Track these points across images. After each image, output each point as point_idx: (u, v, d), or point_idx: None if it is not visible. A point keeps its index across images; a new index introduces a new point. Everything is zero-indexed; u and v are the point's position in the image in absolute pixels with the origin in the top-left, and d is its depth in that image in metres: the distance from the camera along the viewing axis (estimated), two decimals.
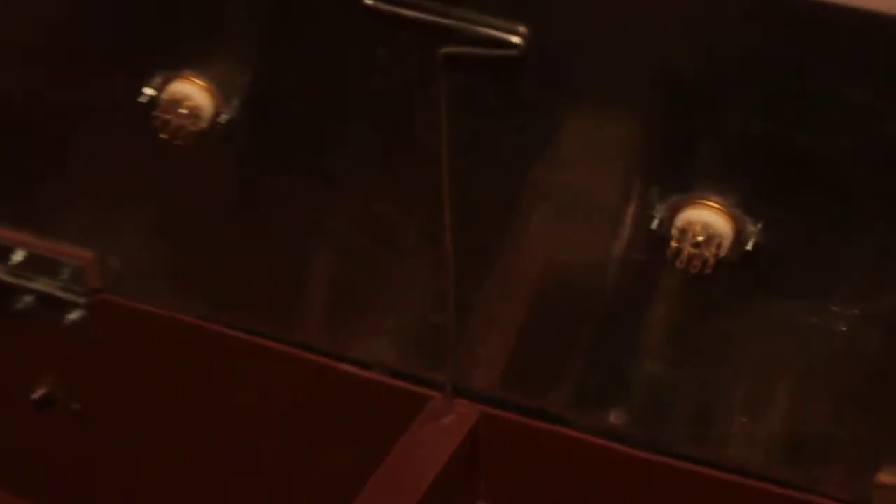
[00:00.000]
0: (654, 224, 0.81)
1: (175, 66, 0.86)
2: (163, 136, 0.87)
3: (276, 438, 0.95)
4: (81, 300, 0.96)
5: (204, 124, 0.86)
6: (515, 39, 0.78)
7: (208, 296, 0.94)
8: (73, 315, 0.96)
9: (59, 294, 0.96)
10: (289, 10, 0.82)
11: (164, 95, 0.86)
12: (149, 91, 0.87)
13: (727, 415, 0.85)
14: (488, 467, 0.90)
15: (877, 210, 0.76)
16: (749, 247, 0.79)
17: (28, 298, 0.96)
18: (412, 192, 0.85)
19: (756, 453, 0.85)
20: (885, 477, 0.82)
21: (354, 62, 0.82)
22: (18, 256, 0.95)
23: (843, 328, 0.80)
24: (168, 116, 0.86)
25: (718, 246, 0.79)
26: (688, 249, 0.79)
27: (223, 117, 0.87)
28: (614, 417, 0.87)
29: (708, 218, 0.79)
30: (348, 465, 0.88)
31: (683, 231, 0.79)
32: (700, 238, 0.79)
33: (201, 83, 0.86)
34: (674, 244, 0.80)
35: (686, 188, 0.79)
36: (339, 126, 0.85)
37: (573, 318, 0.86)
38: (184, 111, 0.85)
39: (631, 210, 0.82)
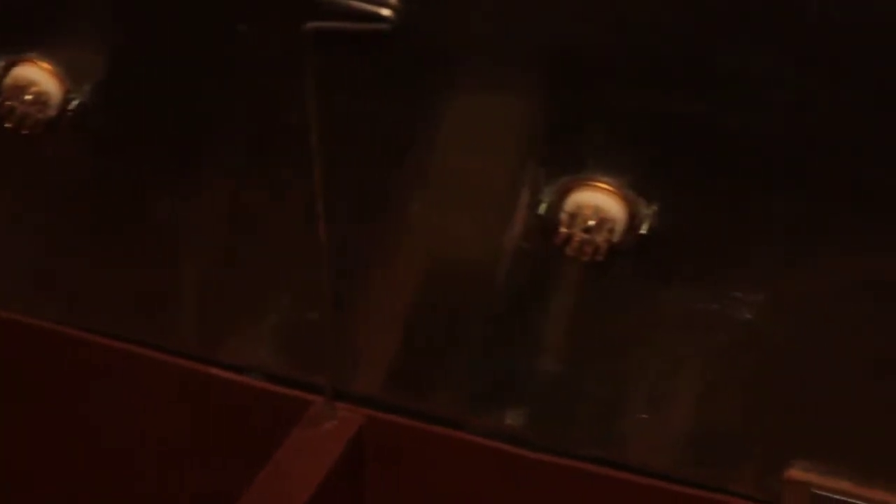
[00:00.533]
0: (542, 209, 0.77)
1: (18, 48, 0.83)
2: (7, 125, 0.83)
3: (146, 450, 0.92)
4: None
5: (52, 111, 0.83)
6: (386, 12, 0.74)
7: (65, 298, 0.91)
8: None
9: None
10: None
11: (7, 81, 0.83)
12: None
13: (629, 412, 0.83)
14: (375, 475, 0.87)
15: (778, 187, 0.74)
16: (644, 231, 0.76)
17: None
18: (283, 180, 0.82)
19: (661, 452, 0.83)
20: (795, 473, 0.80)
21: (215, 41, 0.79)
22: None
23: (748, 316, 0.78)
24: (12, 104, 0.82)
25: (611, 231, 0.76)
26: (578, 235, 0.76)
27: (73, 103, 0.83)
28: (510, 418, 0.85)
29: (599, 201, 0.75)
30: (225, 475, 0.86)
31: (573, 216, 0.76)
32: (591, 223, 0.75)
33: (48, 66, 0.82)
34: (563, 230, 0.76)
35: (575, 169, 0.76)
36: (201, 110, 0.82)
37: (462, 312, 0.84)
38: (29, 98, 0.82)
39: (518, 195, 0.79)
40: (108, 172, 0.86)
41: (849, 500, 0.79)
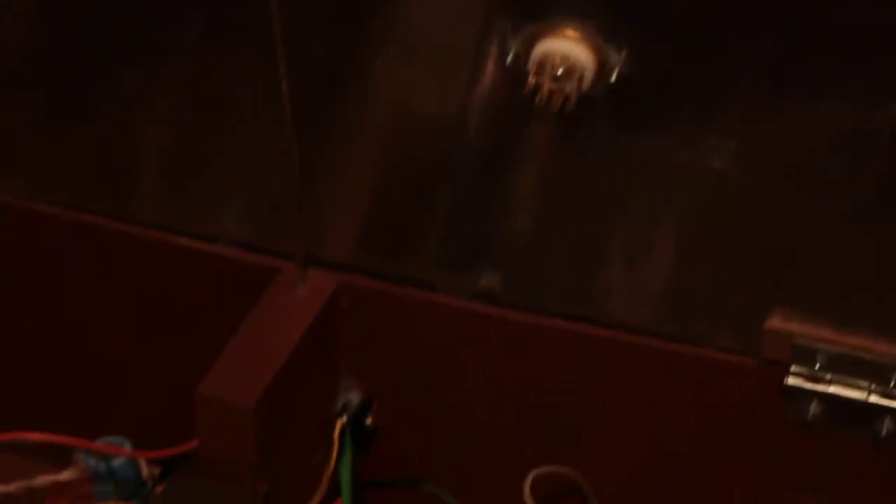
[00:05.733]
0: (509, 59, 0.77)
1: None
2: None
3: (117, 325, 0.92)
4: None
5: None
6: None
7: (27, 172, 0.91)
8: None
9: None
10: None
11: None
12: None
13: (606, 268, 0.83)
14: (350, 340, 0.87)
15: (748, 31, 0.73)
16: (613, 78, 0.76)
17: None
18: (242, 43, 0.81)
19: (638, 307, 0.84)
20: (775, 323, 0.80)
21: None
22: None
23: (721, 165, 0.78)
24: None
25: (580, 79, 0.75)
26: (547, 85, 0.75)
27: None
28: (485, 279, 0.85)
29: (567, 48, 0.75)
30: (197, 346, 0.86)
31: (541, 64, 0.75)
32: (559, 71, 0.74)
33: None
34: (531, 80, 0.76)
35: (541, 16, 0.75)
36: None
37: (431, 172, 0.84)
38: None
39: (485, 46, 0.78)
40: (66, 43, 0.85)
41: (829, 347, 0.80)
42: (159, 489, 0.89)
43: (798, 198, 0.78)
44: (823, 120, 0.75)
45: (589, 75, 0.75)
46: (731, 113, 0.76)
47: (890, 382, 0.79)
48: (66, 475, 0.91)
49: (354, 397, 0.89)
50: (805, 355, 0.80)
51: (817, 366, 0.80)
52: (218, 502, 0.82)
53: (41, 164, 0.91)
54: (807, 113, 0.76)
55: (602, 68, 0.75)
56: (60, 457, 0.91)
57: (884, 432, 0.80)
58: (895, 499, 0.82)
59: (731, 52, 0.74)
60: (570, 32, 0.74)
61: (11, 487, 0.90)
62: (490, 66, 0.78)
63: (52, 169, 0.91)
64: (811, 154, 0.77)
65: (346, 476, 0.86)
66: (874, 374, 0.79)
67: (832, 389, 0.80)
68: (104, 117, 0.87)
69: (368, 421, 0.89)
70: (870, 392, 0.79)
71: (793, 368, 0.80)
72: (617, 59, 0.75)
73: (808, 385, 0.80)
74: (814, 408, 0.81)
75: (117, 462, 0.89)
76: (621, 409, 0.85)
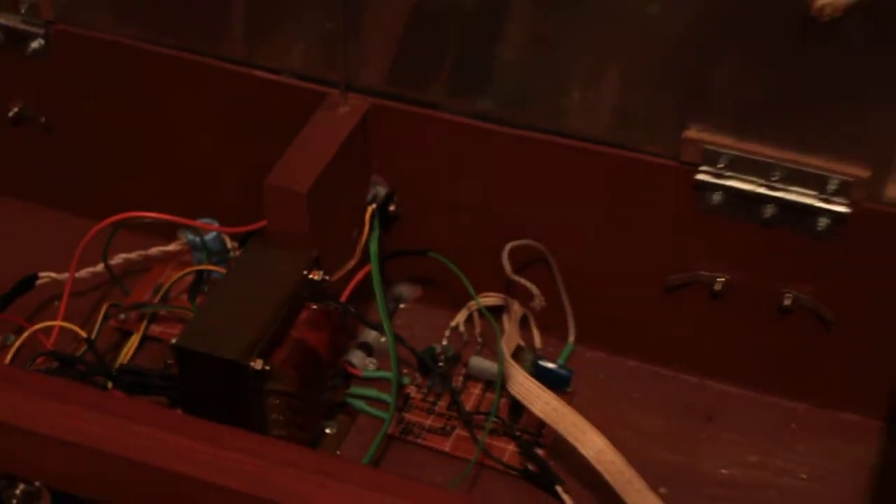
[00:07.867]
0: None
1: None
2: None
3: (210, 135, 1.02)
4: (40, 31, 1.01)
5: None
6: None
7: (147, 20, 0.99)
8: (35, 44, 1.01)
9: (21, 27, 1.01)
10: None
11: None
12: None
13: (569, 92, 0.92)
14: (378, 147, 0.97)
15: None
16: None
17: None
18: None
19: (594, 122, 0.92)
20: (690, 133, 0.90)
21: None
22: None
23: (655, 10, 0.87)
24: None
25: None
26: None
27: None
28: (480, 102, 0.94)
29: None
30: (266, 149, 0.94)
31: None
32: None
33: None
34: None
35: None
36: None
37: (444, 19, 0.92)
38: None
39: None
40: None
41: (730, 151, 0.89)
42: (238, 254, 0.97)
43: (715, 39, 0.86)
44: None
45: None
46: None
47: (772, 178, 0.89)
48: (172, 246, 1.02)
49: (381, 190, 0.98)
50: (712, 158, 0.90)
51: (720, 166, 0.90)
52: (281, 263, 0.89)
53: (157, 13, 0.99)
54: None
55: None
56: (167, 235, 1.02)
57: (767, 215, 0.90)
58: (776, 265, 0.92)
59: None
60: None
61: (133, 255, 1.01)
62: None
63: (165, 17, 0.99)
64: (725, 4, 0.84)
65: (374, 248, 0.94)
66: (761, 171, 0.89)
67: (730, 183, 0.90)
68: None
69: (391, 208, 0.98)
70: (758, 185, 0.90)
71: (702, 168, 0.91)
72: None
73: (713, 180, 0.90)
74: (717, 197, 0.91)
75: (209, 236, 0.99)
76: (579, 199, 0.94)
